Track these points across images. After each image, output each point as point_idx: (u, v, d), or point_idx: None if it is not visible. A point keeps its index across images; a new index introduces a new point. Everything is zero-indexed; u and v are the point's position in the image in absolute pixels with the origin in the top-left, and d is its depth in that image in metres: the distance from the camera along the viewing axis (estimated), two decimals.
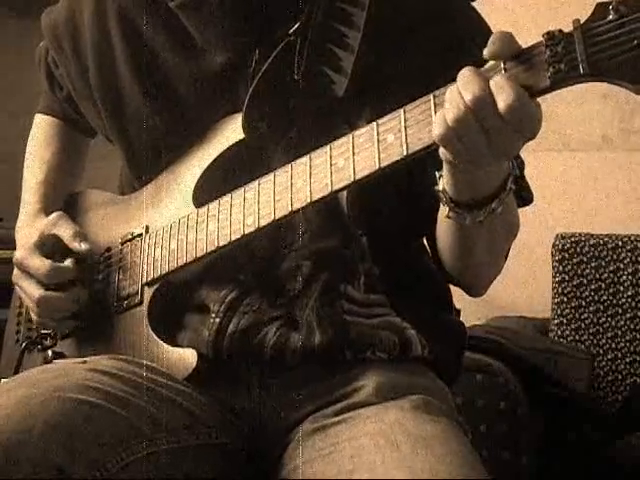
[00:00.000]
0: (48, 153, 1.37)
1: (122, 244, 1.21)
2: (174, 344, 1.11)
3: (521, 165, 1.15)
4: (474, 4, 1.18)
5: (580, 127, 2.62)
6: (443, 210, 1.00)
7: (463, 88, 0.85)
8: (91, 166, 1.45)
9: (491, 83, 0.84)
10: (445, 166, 0.94)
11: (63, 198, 1.35)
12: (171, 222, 1.14)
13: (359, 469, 0.92)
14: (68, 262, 1.21)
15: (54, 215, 1.26)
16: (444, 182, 0.96)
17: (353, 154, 0.95)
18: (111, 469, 0.92)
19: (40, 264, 1.20)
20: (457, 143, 0.86)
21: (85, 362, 1.06)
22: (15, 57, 2.24)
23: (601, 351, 2.29)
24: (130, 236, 1.20)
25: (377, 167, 0.93)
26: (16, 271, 1.23)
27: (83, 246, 1.21)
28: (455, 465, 0.91)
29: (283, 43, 1.08)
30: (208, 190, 1.12)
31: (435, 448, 0.93)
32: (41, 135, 1.40)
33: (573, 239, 2.37)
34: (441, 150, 0.90)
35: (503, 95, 0.83)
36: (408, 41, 1.09)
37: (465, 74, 0.86)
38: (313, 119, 1.08)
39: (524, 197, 1.13)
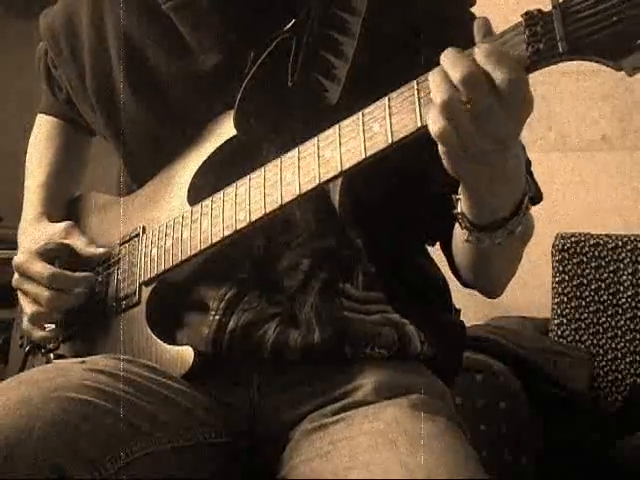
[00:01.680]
0: (49, 154, 1.37)
1: (120, 245, 1.21)
2: (173, 343, 1.11)
3: (528, 163, 1.14)
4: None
5: (580, 127, 2.61)
6: (461, 234, 0.99)
7: (450, 68, 0.83)
8: (91, 166, 1.45)
9: (482, 59, 0.82)
10: (462, 188, 0.94)
11: (64, 200, 1.35)
12: (167, 221, 1.14)
13: (357, 468, 0.92)
14: (78, 274, 1.20)
15: (66, 224, 1.26)
16: (462, 205, 0.96)
17: (340, 144, 0.95)
18: (110, 469, 0.92)
19: (42, 268, 1.18)
20: (453, 132, 0.83)
21: (84, 362, 1.06)
22: (15, 57, 2.24)
23: (601, 351, 2.29)
24: (128, 237, 1.20)
25: (363, 156, 0.92)
26: (17, 275, 1.22)
27: (99, 250, 1.22)
28: (453, 464, 0.91)
29: (277, 40, 1.08)
30: (203, 188, 1.12)
31: (433, 447, 0.93)
32: (42, 135, 1.40)
33: (573, 239, 2.37)
34: (443, 156, 0.88)
35: (501, 70, 0.81)
36: (403, 46, 1.09)
37: (449, 55, 0.84)
38: (306, 121, 1.08)
39: (533, 196, 1.12)
